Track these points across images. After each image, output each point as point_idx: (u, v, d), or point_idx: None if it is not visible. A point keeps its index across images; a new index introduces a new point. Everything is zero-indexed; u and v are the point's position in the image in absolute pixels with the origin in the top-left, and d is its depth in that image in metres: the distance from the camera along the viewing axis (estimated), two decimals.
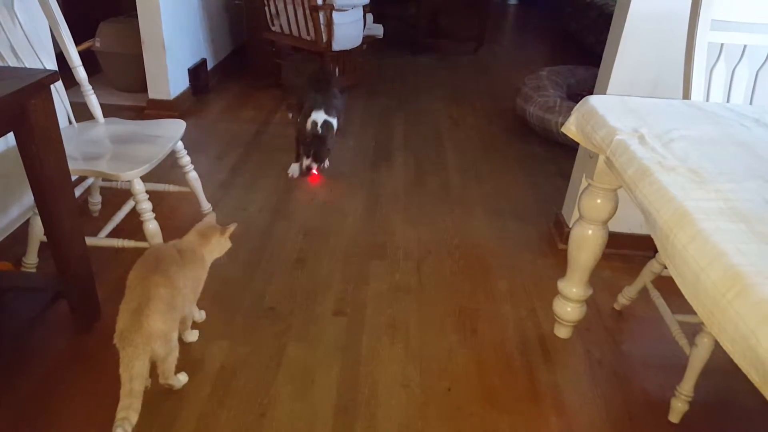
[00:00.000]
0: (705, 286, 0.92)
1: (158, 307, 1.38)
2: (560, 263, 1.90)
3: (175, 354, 1.49)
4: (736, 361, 0.85)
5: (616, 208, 1.62)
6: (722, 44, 1.67)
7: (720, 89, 1.69)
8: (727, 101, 1.72)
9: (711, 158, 1.24)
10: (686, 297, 0.98)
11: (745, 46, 1.70)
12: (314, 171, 2.84)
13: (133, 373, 1.34)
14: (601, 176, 1.55)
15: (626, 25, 2.02)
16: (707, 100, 1.68)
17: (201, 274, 1.62)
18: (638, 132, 1.33)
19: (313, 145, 2.78)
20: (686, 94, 1.67)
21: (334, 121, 2.86)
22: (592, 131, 1.44)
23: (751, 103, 1.74)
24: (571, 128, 1.56)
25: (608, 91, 2.12)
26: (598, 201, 1.61)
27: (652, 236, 1.13)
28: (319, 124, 2.79)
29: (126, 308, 1.39)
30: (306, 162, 2.81)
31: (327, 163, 2.96)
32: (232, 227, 1.69)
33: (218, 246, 1.67)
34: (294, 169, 2.93)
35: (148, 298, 1.38)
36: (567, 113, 1.46)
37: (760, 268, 0.87)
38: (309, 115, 2.83)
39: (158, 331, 1.38)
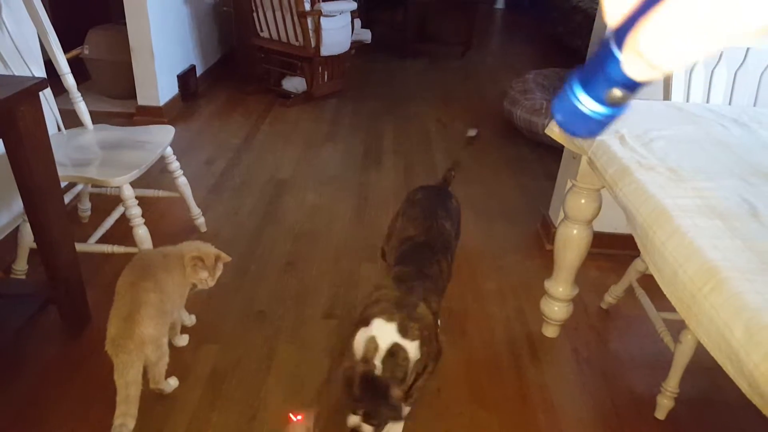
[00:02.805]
0: (682, 281, 0.94)
1: (149, 313, 1.39)
2: (547, 263, 1.93)
3: (166, 359, 1.50)
4: (712, 353, 0.87)
5: (599, 208, 1.65)
6: None
7: (699, 90, 1.73)
8: (707, 102, 1.75)
9: (689, 157, 1.26)
10: (665, 292, 1.01)
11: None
12: None
13: (129, 380, 1.34)
14: (584, 177, 1.58)
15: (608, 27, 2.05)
16: (687, 101, 1.72)
17: (186, 280, 1.63)
18: (619, 132, 1.36)
19: (366, 395, 1.29)
20: (667, 95, 1.70)
21: (414, 347, 1.33)
22: None
23: (729, 104, 1.77)
24: (554, 130, 1.59)
25: None
26: (582, 201, 1.63)
27: (633, 234, 1.16)
28: (379, 354, 1.31)
29: (116, 315, 1.40)
30: (352, 420, 1.34)
31: None
32: (225, 258, 1.66)
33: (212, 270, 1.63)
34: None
35: (139, 304, 1.39)
36: None
37: (735, 263, 0.90)
38: (367, 324, 1.36)
39: (150, 336, 1.39)
